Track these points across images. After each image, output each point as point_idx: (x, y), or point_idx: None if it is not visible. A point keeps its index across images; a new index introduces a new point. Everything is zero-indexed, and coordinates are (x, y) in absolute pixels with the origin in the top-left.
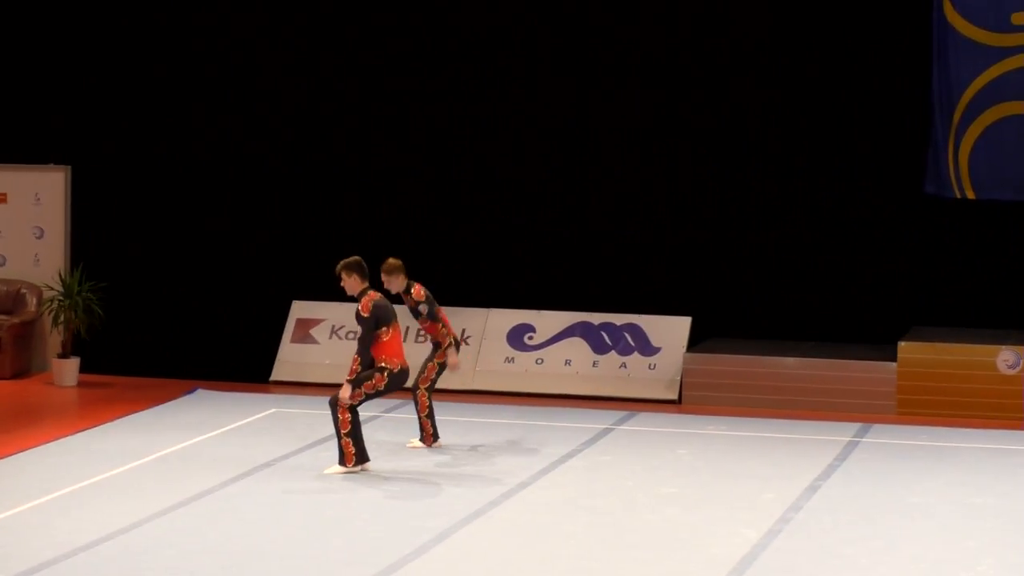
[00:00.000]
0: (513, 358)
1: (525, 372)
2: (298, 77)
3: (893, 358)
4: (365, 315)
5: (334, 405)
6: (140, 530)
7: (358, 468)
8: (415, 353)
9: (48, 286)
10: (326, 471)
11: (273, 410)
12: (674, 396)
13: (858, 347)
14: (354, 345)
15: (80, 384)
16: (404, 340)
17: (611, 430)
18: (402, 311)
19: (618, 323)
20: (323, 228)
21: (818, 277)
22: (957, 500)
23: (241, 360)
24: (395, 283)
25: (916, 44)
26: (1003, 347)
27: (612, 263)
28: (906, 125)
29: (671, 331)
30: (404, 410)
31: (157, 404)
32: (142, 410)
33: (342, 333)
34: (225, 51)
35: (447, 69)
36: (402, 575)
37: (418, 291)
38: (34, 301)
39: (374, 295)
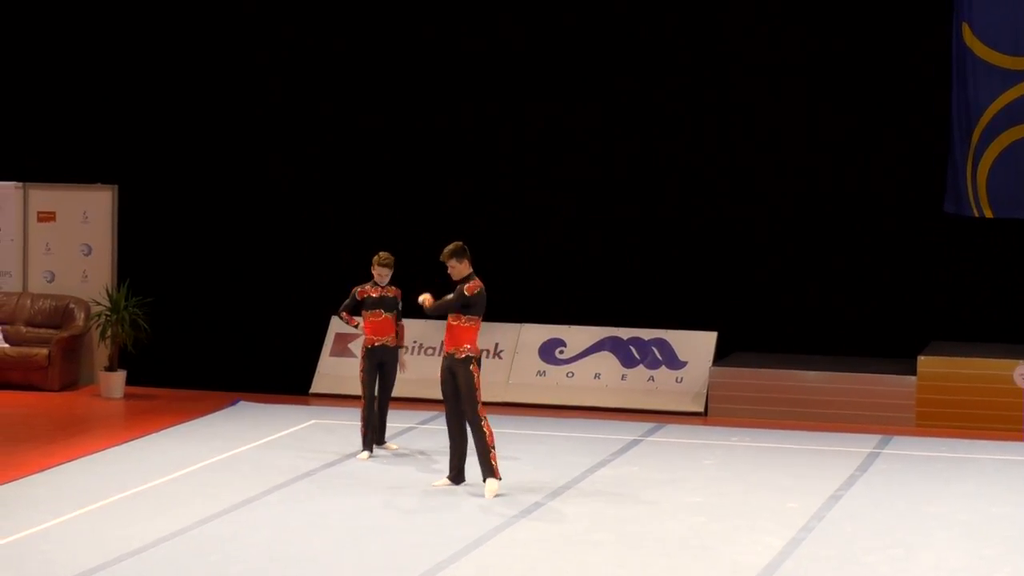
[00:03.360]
0: (545, 371)
1: (556, 385)
2: (336, 99)
3: (913, 372)
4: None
5: (476, 425)
6: (184, 537)
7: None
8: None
9: (96, 301)
10: (488, 496)
11: (312, 421)
12: (700, 408)
13: (879, 361)
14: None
15: (126, 396)
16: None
17: (639, 441)
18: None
19: (646, 338)
20: (361, 247)
21: (840, 293)
22: (975, 510)
23: (282, 373)
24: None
25: (936, 67)
26: (1020, 361)
27: (640, 280)
28: (927, 146)
29: (697, 346)
30: (438, 422)
31: (201, 416)
32: (186, 421)
33: None
34: (266, 75)
35: (483, 94)
36: None
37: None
38: (82, 316)
39: (480, 282)
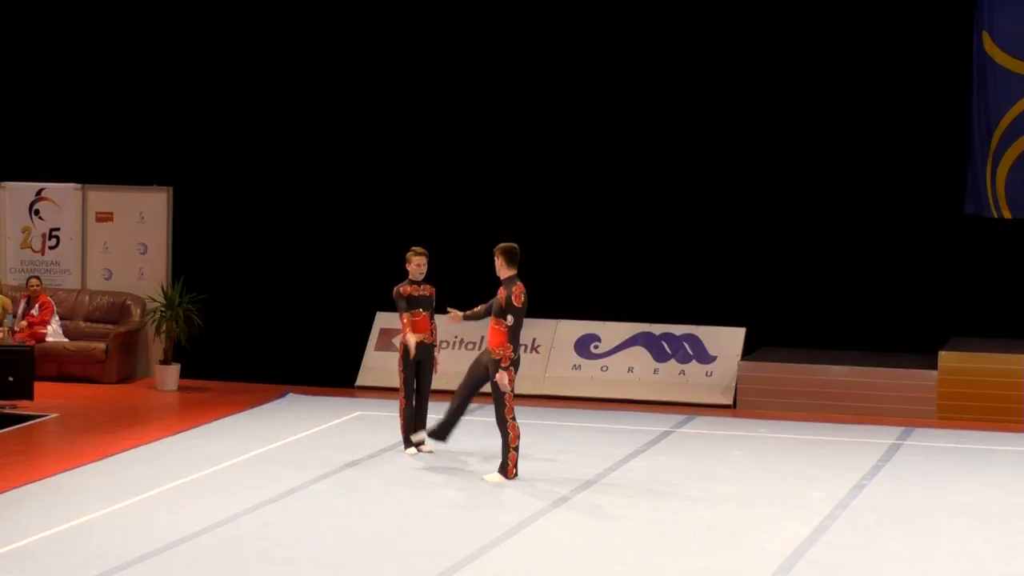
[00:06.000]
0: (580, 365)
1: (591, 379)
2: (380, 101)
3: (934, 366)
4: (518, 305)
5: (503, 423)
6: (236, 523)
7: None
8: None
9: (151, 298)
10: (486, 480)
11: (358, 413)
12: (729, 401)
13: (901, 356)
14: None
15: (180, 389)
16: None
17: (671, 432)
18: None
19: (677, 333)
20: (404, 246)
21: (864, 291)
22: (994, 499)
23: (329, 367)
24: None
25: (957, 73)
26: None
27: (672, 278)
28: (947, 149)
29: (727, 341)
30: (477, 414)
31: (251, 407)
32: (237, 413)
33: None
34: (313, 80)
35: (523, 94)
36: (477, 565)
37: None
38: (138, 312)
39: (522, 286)
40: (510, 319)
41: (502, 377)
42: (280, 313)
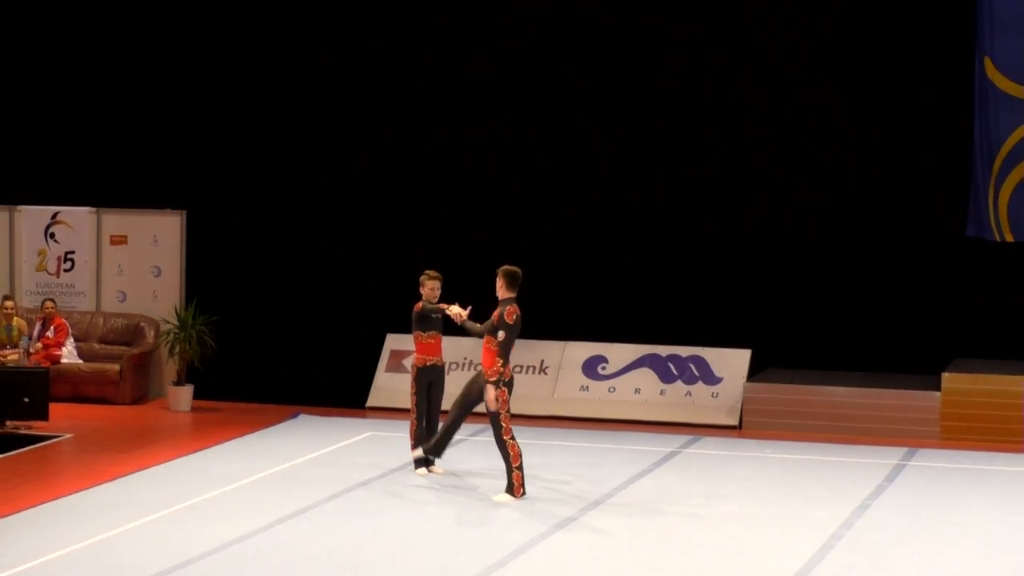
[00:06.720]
0: (588, 387)
1: (599, 399)
2: (391, 125)
3: (937, 388)
4: (510, 322)
5: (501, 444)
6: (248, 542)
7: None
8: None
9: (165, 320)
10: (495, 498)
11: (369, 433)
12: (735, 422)
13: (904, 377)
14: None
15: (193, 409)
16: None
17: (677, 453)
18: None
19: (684, 355)
20: (414, 269)
21: (868, 313)
22: (997, 518)
23: (340, 387)
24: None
25: (959, 97)
26: None
27: (678, 300)
28: (950, 173)
29: (732, 362)
30: (487, 434)
31: (263, 428)
32: (250, 433)
33: None
34: (325, 105)
35: (531, 115)
36: None
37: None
38: (152, 333)
39: (517, 308)
40: (501, 335)
41: (489, 392)
42: (292, 335)
